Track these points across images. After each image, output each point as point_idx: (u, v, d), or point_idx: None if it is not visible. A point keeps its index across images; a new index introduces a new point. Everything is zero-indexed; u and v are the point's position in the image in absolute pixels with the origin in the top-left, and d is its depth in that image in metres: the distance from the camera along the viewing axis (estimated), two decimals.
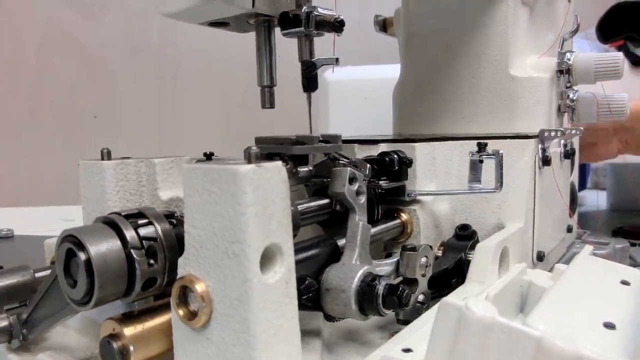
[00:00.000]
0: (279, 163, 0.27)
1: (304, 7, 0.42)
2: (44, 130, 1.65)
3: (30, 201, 1.52)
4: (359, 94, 1.06)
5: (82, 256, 0.27)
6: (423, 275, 0.39)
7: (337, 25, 0.42)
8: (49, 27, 1.65)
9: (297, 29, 0.41)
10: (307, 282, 0.34)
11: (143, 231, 0.30)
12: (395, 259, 0.39)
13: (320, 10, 0.42)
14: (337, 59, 0.43)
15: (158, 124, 1.76)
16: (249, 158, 0.27)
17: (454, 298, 0.25)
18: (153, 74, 1.74)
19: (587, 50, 0.81)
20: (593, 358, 0.21)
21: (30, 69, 1.65)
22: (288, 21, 0.41)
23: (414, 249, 0.38)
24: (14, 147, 1.63)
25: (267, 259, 0.27)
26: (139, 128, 1.72)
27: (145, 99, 1.74)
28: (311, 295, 0.35)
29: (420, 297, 0.39)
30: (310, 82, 0.43)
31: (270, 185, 0.26)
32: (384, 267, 0.39)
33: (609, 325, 0.28)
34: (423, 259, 0.39)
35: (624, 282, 0.35)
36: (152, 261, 0.29)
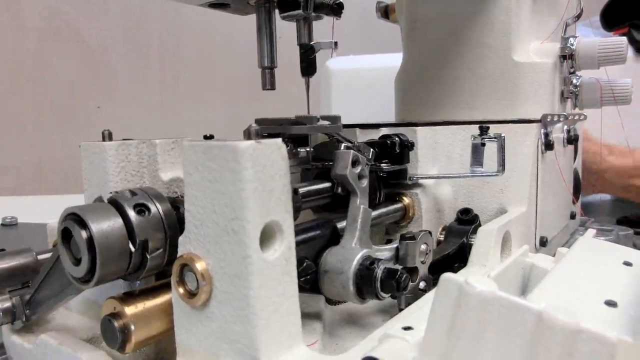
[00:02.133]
0: (279, 140, 0.27)
1: None
2: (43, 121, 1.66)
3: (33, 191, 1.53)
4: (361, 83, 1.06)
5: (84, 234, 0.27)
6: (423, 262, 0.38)
7: (336, 8, 0.41)
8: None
9: (296, 12, 0.41)
10: (305, 263, 0.34)
11: (144, 210, 0.30)
12: (395, 245, 0.39)
13: None
14: (335, 43, 0.43)
15: (160, 113, 1.76)
16: (248, 135, 0.26)
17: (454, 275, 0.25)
18: (155, 61, 1.75)
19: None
20: (594, 332, 0.21)
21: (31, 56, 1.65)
22: (287, 4, 0.41)
23: (412, 237, 0.37)
24: (16, 139, 1.63)
25: (266, 236, 0.27)
26: (140, 117, 1.72)
27: (146, 86, 1.74)
28: (309, 277, 0.35)
29: (422, 285, 0.38)
30: (308, 65, 0.43)
31: (270, 162, 0.26)
32: (384, 252, 0.39)
33: (611, 303, 0.28)
34: (423, 246, 0.38)
35: (627, 263, 0.35)
36: (153, 239, 0.29)
